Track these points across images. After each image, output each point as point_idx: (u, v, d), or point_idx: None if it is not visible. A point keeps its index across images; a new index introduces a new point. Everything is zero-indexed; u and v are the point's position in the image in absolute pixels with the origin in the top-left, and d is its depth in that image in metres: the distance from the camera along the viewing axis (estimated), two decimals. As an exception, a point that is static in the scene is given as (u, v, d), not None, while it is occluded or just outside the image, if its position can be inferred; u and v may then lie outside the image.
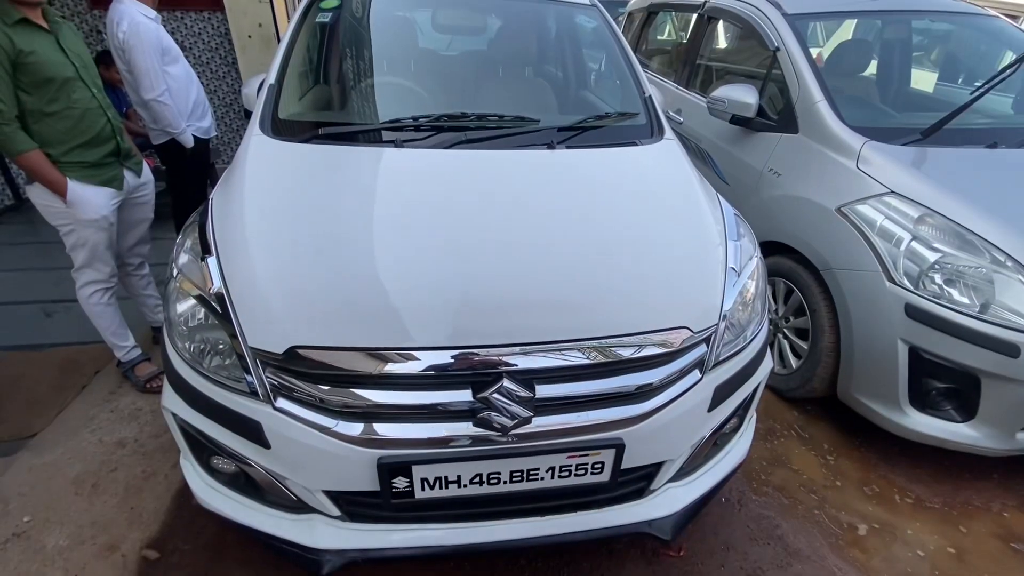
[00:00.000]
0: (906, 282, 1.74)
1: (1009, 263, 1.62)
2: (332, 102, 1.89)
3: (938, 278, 1.70)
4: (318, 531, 1.26)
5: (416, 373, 1.10)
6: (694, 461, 1.44)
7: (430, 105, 1.80)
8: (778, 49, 2.46)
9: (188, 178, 2.70)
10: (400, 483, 1.16)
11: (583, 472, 1.23)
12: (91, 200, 1.80)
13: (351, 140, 1.62)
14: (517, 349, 1.12)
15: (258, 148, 1.55)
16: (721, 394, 1.31)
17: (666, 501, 1.39)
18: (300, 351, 1.10)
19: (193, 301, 1.22)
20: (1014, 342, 1.58)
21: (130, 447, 1.85)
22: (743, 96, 2.42)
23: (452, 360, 1.10)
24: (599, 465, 1.22)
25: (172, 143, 2.45)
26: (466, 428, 1.13)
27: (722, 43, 3.14)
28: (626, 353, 1.18)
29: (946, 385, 1.77)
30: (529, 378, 1.14)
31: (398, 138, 1.61)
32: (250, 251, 1.23)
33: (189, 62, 2.51)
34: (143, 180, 2.05)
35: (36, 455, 1.81)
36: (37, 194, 1.76)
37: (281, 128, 1.67)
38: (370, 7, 2.07)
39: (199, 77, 2.62)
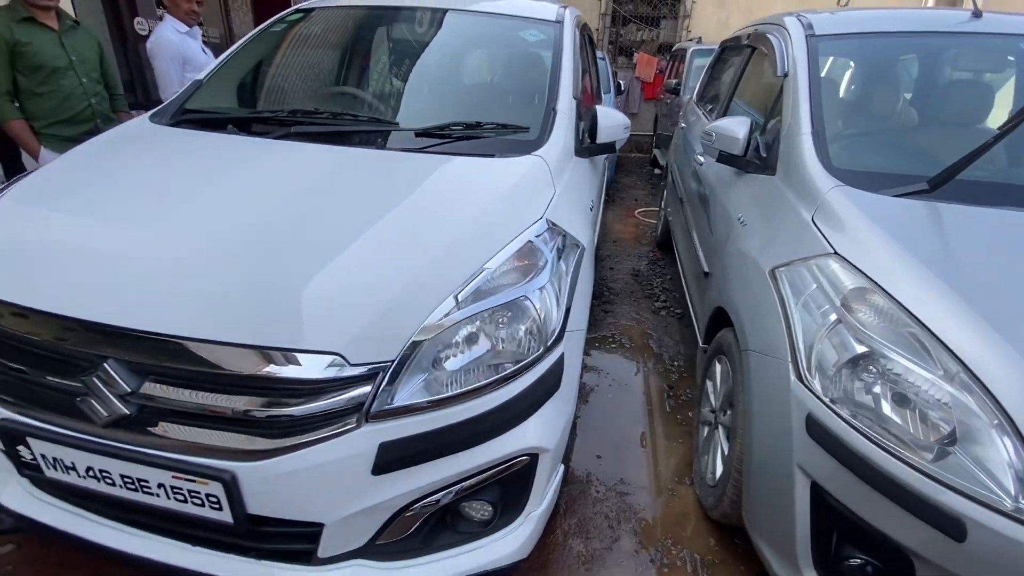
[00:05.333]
0: (816, 382, 1.17)
1: (971, 383, 0.99)
2: (243, 98, 1.98)
3: (872, 388, 1.11)
4: (8, 487, 1.24)
5: (29, 337, 1.04)
6: (400, 540, 1.12)
7: (302, 103, 1.79)
8: (787, 74, 1.96)
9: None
10: (25, 453, 1.09)
11: (199, 501, 1.02)
12: (61, 167, 2.15)
13: (208, 127, 1.67)
14: (123, 333, 0.99)
15: (122, 126, 1.69)
16: (399, 456, 1.00)
17: (345, 578, 1.09)
18: None
19: None
20: (959, 516, 0.94)
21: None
22: (732, 129, 1.97)
23: (58, 329, 1.02)
24: (214, 498, 1.01)
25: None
26: (71, 409, 1.02)
27: (754, 76, 2.63)
28: (248, 369, 0.97)
29: (866, 559, 1.12)
30: (139, 371, 0.99)
31: (228, 127, 1.63)
32: (6, 199, 1.32)
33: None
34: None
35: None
36: (26, 157, 2.16)
37: (174, 115, 1.79)
38: (317, 20, 2.16)
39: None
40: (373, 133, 1.59)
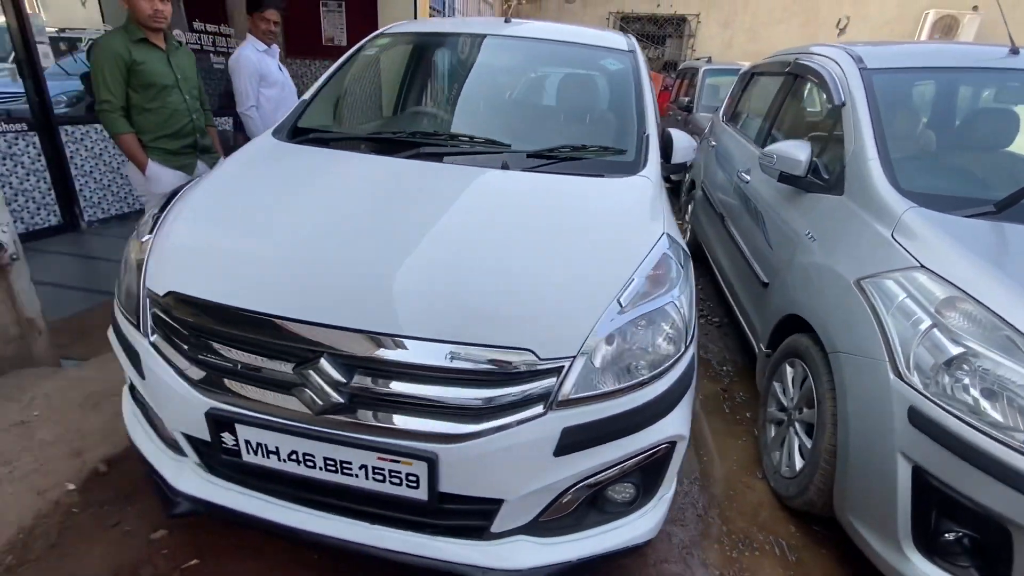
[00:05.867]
0: (915, 379, 1.34)
1: (1062, 377, 1.17)
2: (340, 117, 2.14)
3: (963, 381, 1.28)
4: (184, 473, 1.36)
5: (244, 335, 1.17)
6: (558, 518, 1.26)
7: (416, 125, 1.95)
8: (843, 104, 2.16)
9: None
10: (228, 439, 1.22)
11: (397, 480, 1.16)
12: (164, 178, 2.27)
13: (332, 145, 1.82)
14: (338, 331, 1.13)
15: (254, 143, 1.84)
16: (576, 439, 1.14)
17: (511, 553, 1.23)
18: (176, 296, 1.25)
19: (132, 248, 1.46)
20: (1058, 488, 1.12)
21: (138, 382, 2.20)
22: (794, 152, 2.15)
23: (275, 328, 1.15)
24: (413, 478, 1.14)
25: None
26: (282, 399, 1.16)
27: (800, 102, 2.84)
28: (452, 363, 1.11)
29: (964, 532, 1.29)
30: (349, 365, 1.13)
31: (361, 146, 1.78)
32: (184, 214, 1.45)
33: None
34: (214, 172, 2.53)
35: (78, 372, 2.24)
36: (129, 170, 2.29)
37: (293, 133, 1.95)
38: (412, 47, 2.33)
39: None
40: (494, 154, 1.75)
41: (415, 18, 5.67)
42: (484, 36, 2.30)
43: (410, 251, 1.28)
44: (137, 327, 1.30)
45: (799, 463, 1.80)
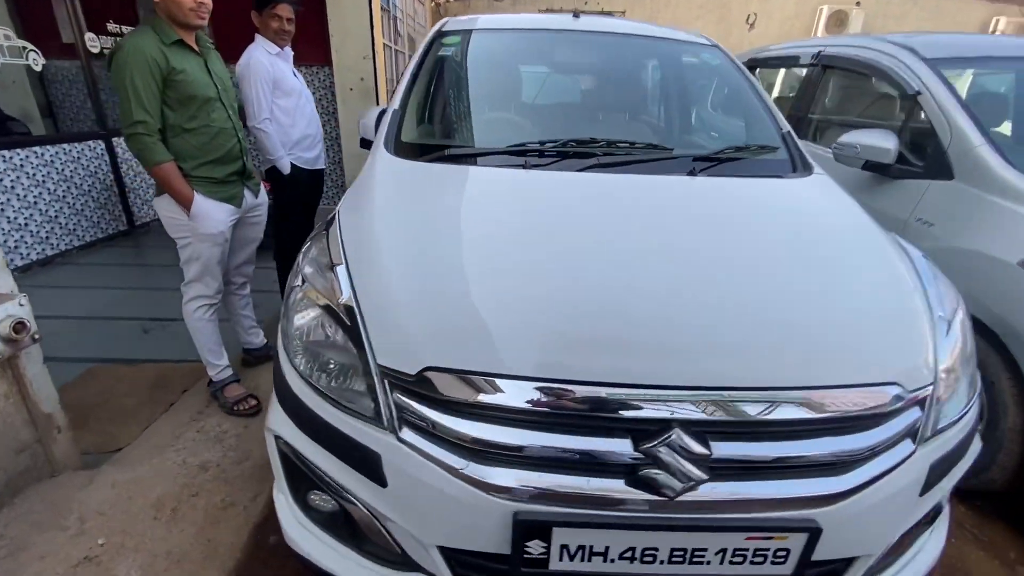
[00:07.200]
0: None
1: None
2: (453, 127, 1.85)
3: None
4: None
5: (567, 412, 0.92)
6: (884, 559, 1.13)
7: (552, 132, 1.72)
8: (919, 93, 2.25)
9: (288, 206, 2.73)
10: (535, 548, 0.95)
11: (761, 560, 0.97)
12: (212, 215, 1.81)
13: (476, 161, 1.55)
14: (690, 395, 0.92)
15: (385, 165, 1.51)
16: (937, 474, 1.03)
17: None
18: (435, 374, 0.95)
19: (317, 312, 1.11)
20: None
21: (212, 472, 1.74)
22: (880, 141, 2.21)
23: (603, 400, 0.91)
24: (783, 553, 0.96)
25: (275, 169, 2.51)
26: (623, 487, 0.92)
27: (841, 92, 2.96)
28: (822, 411, 0.94)
29: None
30: (703, 432, 0.92)
31: (526, 161, 1.52)
32: (384, 263, 1.12)
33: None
34: (259, 201, 2.08)
35: (120, 471, 1.73)
36: (163, 206, 1.79)
37: (403, 150, 1.63)
38: (491, 44, 2.07)
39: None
40: (666, 160, 1.57)
41: (370, 16, 5.21)
42: (571, 32, 2.08)
43: (701, 284, 1.09)
44: (376, 421, 0.98)
45: (962, 444, 1.84)
